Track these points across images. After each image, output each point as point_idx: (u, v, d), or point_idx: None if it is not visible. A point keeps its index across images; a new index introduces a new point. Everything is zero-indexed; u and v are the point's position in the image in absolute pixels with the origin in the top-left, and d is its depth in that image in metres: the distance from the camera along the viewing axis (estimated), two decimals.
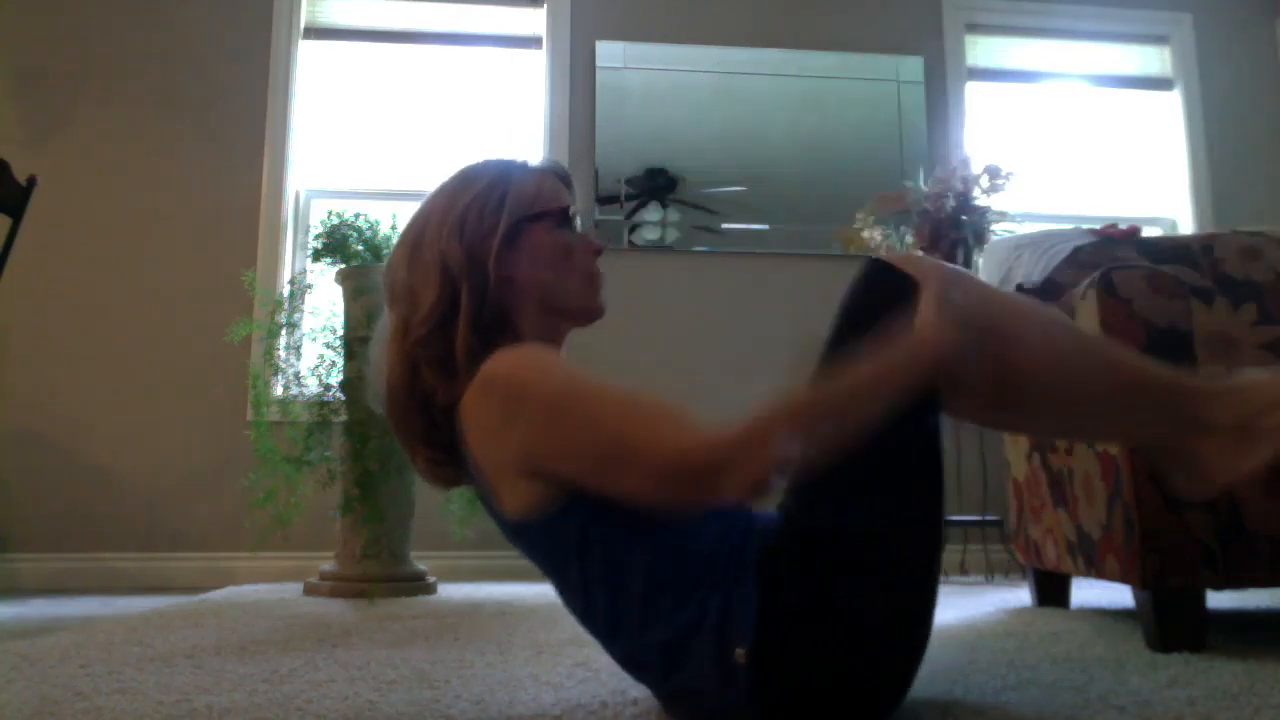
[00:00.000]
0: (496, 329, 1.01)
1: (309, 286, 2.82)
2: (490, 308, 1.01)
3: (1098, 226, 2.22)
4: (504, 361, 0.93)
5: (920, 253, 0.96)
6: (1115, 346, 1.06)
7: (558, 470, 0.92)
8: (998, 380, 0.94)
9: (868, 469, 0.90)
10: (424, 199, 1.10)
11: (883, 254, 1.00)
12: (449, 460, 1.03)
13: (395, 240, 1.09)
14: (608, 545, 0.93)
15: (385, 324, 1.05)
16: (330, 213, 2.76)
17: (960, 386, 0.91)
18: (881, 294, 0.95)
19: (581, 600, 0.98)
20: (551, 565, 0.99)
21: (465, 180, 1.08)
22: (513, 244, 1.03)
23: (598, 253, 1.11)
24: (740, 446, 0.83)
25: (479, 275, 1.01)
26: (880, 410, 0.85)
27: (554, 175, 1.12)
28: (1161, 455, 1.09)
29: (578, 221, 1.12)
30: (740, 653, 0.86)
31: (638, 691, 1.14)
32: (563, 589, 1.00)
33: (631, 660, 0.99)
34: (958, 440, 3.34)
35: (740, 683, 0.87)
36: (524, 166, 1.10)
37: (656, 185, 3.39)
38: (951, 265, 1.01)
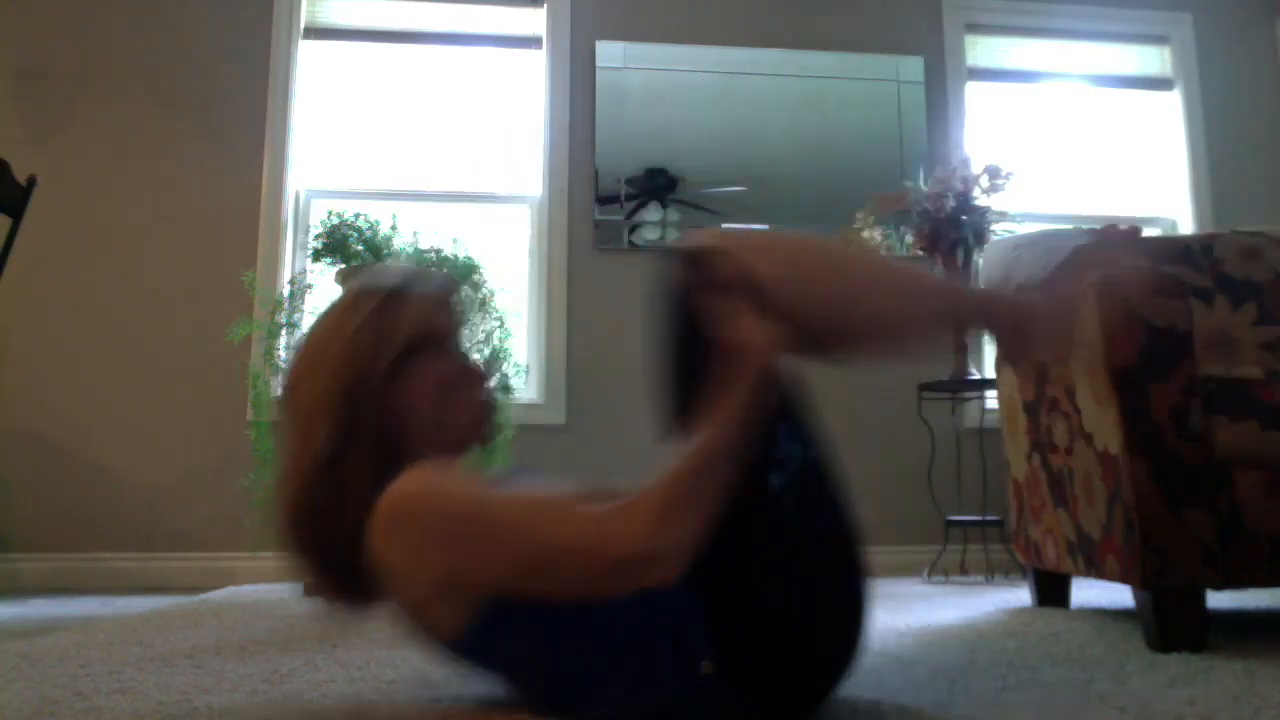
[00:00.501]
0: (394, 454, 1.01)
1: (309, 286, 2.83)
2: (385, 436, 1.01)
3: (1098, 226, 2.22)
4: (405, 490, 0.92)
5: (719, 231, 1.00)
6: (900, 267, 1.10)
7: (480, 588, 0.91)
8: (824, 334, 1.03)
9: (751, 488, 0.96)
10: (319, 317, 1.09)
11: (678, 246, 1.03)
12: (351, 586, 1.02)
13: (293, 355, 1.07)
14: (549, 632, 0.93)
15: (285, 444, 1.04)
16: (330, 213, 2.76)
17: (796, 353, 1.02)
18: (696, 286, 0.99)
19: (541, 688, 0.98)
20: (501, 668, 0.98)
21: (357, 302, 1.06)
22: (398, 376, 1.02)
23: (483, 380, 1.09)
24: (658, 534, 0.86)
25: (369, 406, 1.00)
26: (747, 436, 0.93)
27: (441, 299, 1.10)
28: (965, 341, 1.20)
29: (465, 347, 1.11)
30: (707, 665, 0.92)
31: None
32: (520, 685, 1.00)
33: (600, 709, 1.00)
34: (958, 440, 3.35)
35: (714, 683, 0.93)
36: (413, 288, 1.08)
37: (656, 185, 3.39)
38: (736, 237, 1.03)
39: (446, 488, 0.92)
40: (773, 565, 0.94)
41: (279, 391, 1.08)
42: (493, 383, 1.11)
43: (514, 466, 1.07)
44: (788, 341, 0.98)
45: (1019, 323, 1.14)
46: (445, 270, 2.72)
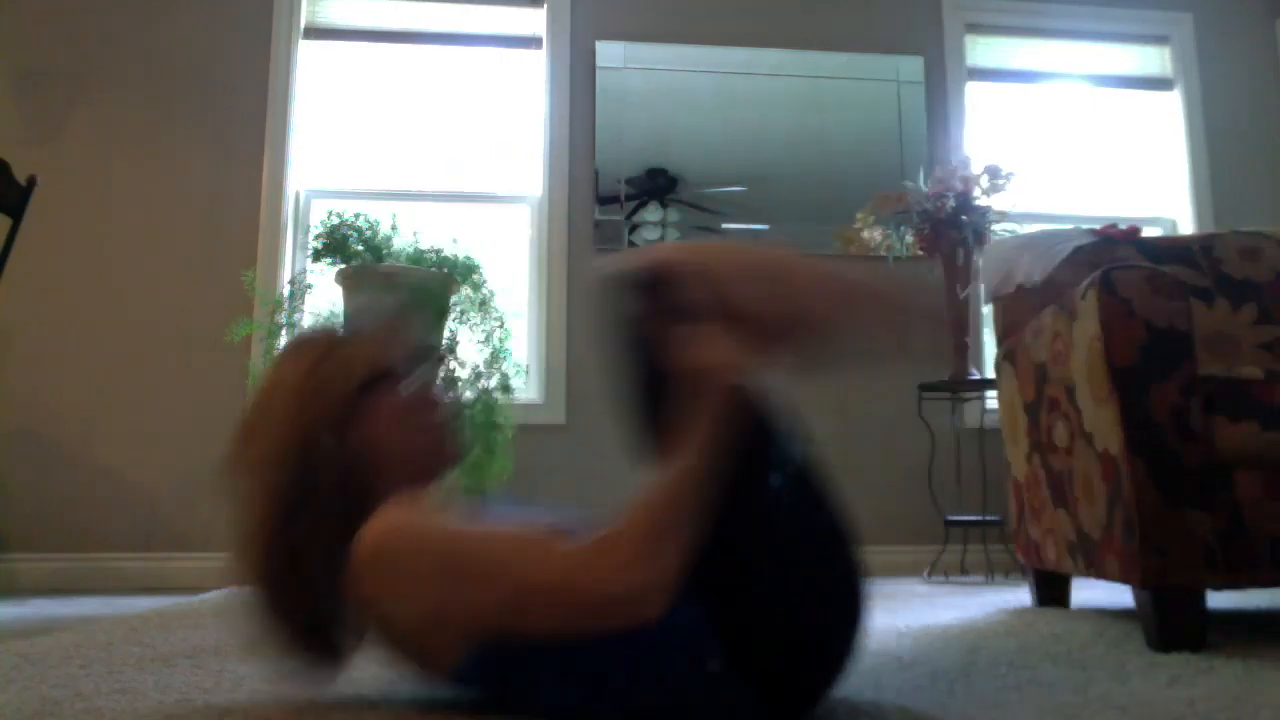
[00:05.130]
0: (362, 497, 1.00)
1: (309, 286, 2.83)
2: (349, 481, 1.00)
3: (1098, 226, 2.22)
4: (381, 531, 0.91)
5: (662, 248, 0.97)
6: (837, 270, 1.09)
7: (466, 625, 0.91)
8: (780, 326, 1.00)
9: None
10: (265, 374, 1.08)
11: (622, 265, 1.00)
12: (328, 643, 1.01)
13: (243, 414, 1.07)
14: (549, 656, 0.92)
15: (243, 506, 1.02)
16: (330, 213, 2.76)
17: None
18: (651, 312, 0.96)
19: (552, 701, 0.97)
20: (506, 692, 0.97)
21: (299, 353, 1.06)
22: (354, 417, 1.01)
23: (438, 404, 1.08)
24: (639, 571, 0.86)
25: (326, 455, 0.99)
26: (720, 460, 0.91)
27: (386, 334, 1.09)
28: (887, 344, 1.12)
29: (418, 373, 1.09)
30: (714, 664, 0.92)
31: None
32: (529, 701, 0.99)
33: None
34: (958, 440, 3.35)
35: (722, 681, 0.93)
36: (357, 330, 1.08)
37: (656, 185, 3.39)
38: (689, 252, 1.00)
39: (423, 527, 0.91)
40: (774, 563, 0.94)
41: (228, 452, 1.06)
42: (448, 405, 1.10)
43: (496, 497, 1.06)
44: (752, 349, 0.95)
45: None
46: (439, 270, 2.72)
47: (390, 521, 0.92)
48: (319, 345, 1.07)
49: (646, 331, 0.97)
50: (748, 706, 0.93)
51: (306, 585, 0.99)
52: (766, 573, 0.93)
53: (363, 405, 1.03)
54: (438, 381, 1.09)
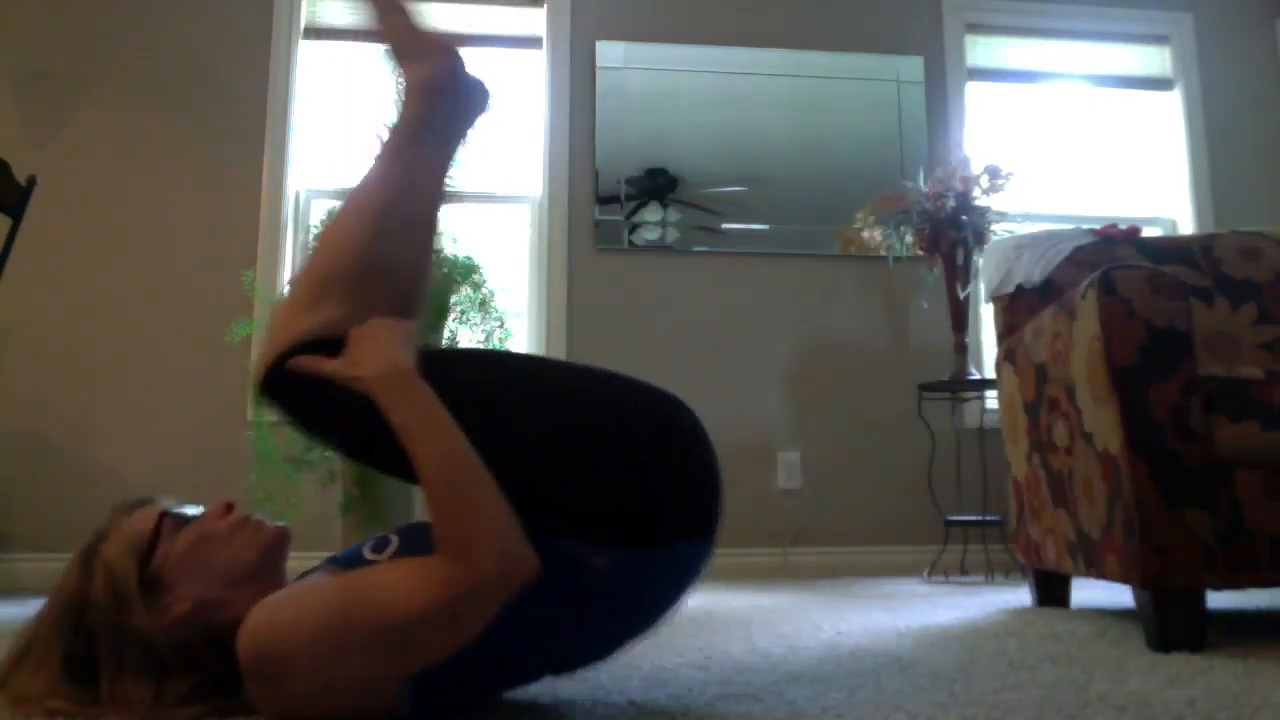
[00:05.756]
0: (220, 635, 0.97)
1: None
2: (198, 638, 0.97)
3: (1098, 226, 2.22)
4: (245, 649, 0.88)
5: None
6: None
7: (379, 678, 0.89)
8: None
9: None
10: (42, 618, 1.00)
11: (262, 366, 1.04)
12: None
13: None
14: (479, 655, 0.93)
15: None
16: (330, 213, 2.76)
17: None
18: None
19: (513, 681, 1.02)
20: (461, 699, 0.99)
21: (61, 586, 1.00)
22: (158, 588, 0.98)
23: (227, 510, 1.05)
24: (488, 549, 0.87)
25: (157, 648, 0.95)
26: (449, 429, 0.93)
27: (130, 507, 1.05)
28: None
29: (177, 511, 1.05)
30: (601, 560, 0.96)
31: (636, 694, 1.14)
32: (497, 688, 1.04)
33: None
34: (958, 440, 3.35)
35: (619, 559, 0.97)
36: (102, 536, 1.02)
37: (656, 185, 3.39)
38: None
39: (279, 622, 0.89)
40: (558, 451, 0.96)
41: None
42: (196, 514, 1.06)
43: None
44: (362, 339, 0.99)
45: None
46: (439, 270, 2.72)
47: (255, 628, 0.89)
48: (75, 569, 1.00)
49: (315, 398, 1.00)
50: (658, 554, 0.97)
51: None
52: (546, 454, 0.96)
53: (160, 575, 0.99)
54: (189, 511, 1.06)
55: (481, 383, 1.02)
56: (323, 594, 0.90)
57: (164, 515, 1.02)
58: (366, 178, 1.12)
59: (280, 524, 1.08)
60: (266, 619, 0.89)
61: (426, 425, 0.92)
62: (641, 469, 0.97)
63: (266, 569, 1.04)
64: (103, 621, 0.96)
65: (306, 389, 1.00)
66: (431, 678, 0.91)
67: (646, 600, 1.01)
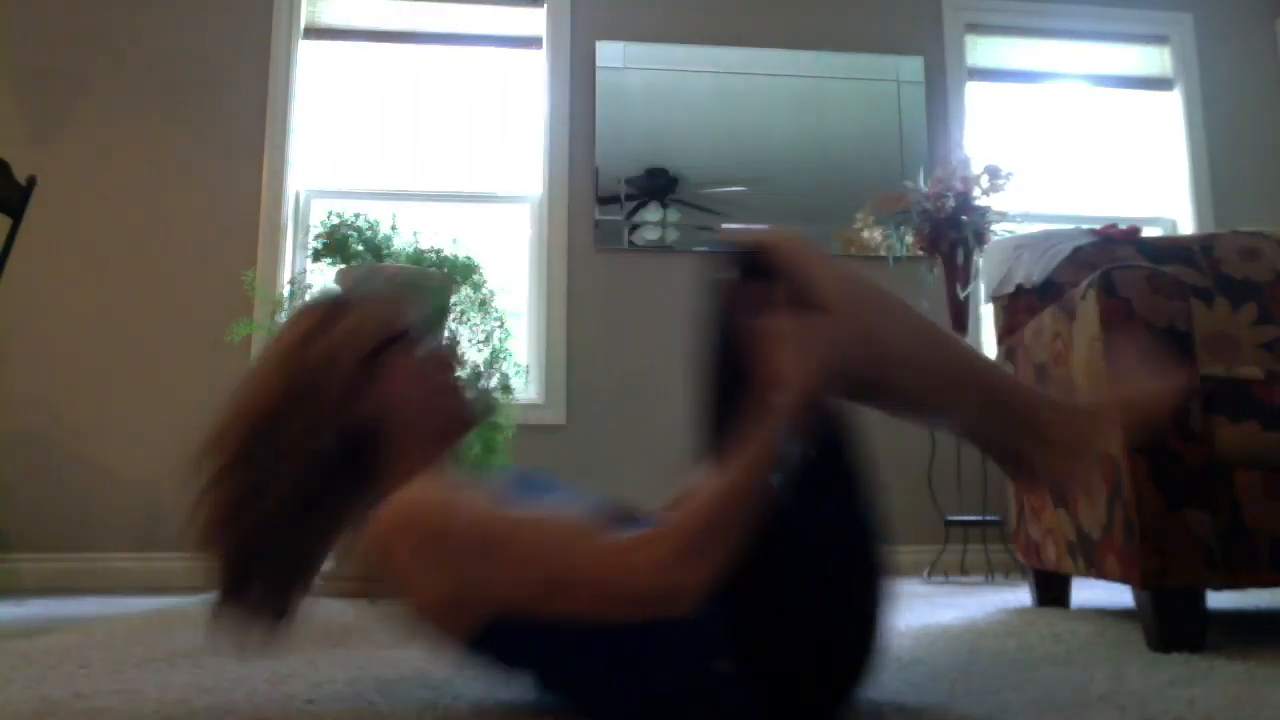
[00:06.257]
0: (374, 463, 0.99)
1: (309, 286, 2.82)
2: (364, 446, 0.99)
3: (1098, 226, 2.22)
4: (413, 505, 0.90)
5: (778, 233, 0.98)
6: (961, 341, 1.08)
7: (490, 605, 0.91)
8: (863, 376, 1.01)
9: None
10: (265, 350, 1.05)
11: (732, 233, 1.00)
12: (282, 603, 1.01)
13: (241, 396, 1.05)
14: (563, 634, 0.92)
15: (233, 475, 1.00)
16: (330, 213, 2.76)
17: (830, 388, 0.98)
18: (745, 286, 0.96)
19: (556, 681, 0.98)
20: (515, 665, 0.98)
21: (296, 320, 1.03)
22: (369, 381, 0.99)
23: (454, 365, 1.07)
24: (678, 571, 0.86)
25: (344, 424, 0.97)
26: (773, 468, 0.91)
27: (391, 297, 1.07)
28: (993, 448, 1.11)
29: (430, 335, 1.08)
30: (724, 662, 0.91)
31: None
32: (534, 678, 0.99)
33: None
34: (958, 440, 3.35)
35: (728, 681, 0.92)
36: (359, 294, 1.05)
37: (656, 185, 3.39)
38: (806, 248, 1.00)
39: (453, 504, 0.90)
40: (777, 563, 0.93)
41: (216, 418, 1.05)
42: (464, 366, 1.10)
43: (518, 470, 1.06)
44: (827, 378, 0.95)
45: (1066, 435, 1.03)
46: (439, 270, 2.72)
47: (418, 497, 0.91)
48: (316, 313, 1.04)
49: (734, 308, 0.96)
50: (758, 711, 0.92)
51: (288, 550, 0.99)
52: (768, 572, 0.93)
53: (377, 368, 1.01)
54: (452, 342, 1.08)
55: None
56: (506, 510, 0.91)
57: (411, 330, 1.03)
58: None
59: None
60: (442, 492, 0.91)
61: (765, 462, 0.90)
62: (842, 653, 0.95)
63: (447, 438, 1.05)
64: (312, 373, 0.98)
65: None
66: (513, 630, 0.91)
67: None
